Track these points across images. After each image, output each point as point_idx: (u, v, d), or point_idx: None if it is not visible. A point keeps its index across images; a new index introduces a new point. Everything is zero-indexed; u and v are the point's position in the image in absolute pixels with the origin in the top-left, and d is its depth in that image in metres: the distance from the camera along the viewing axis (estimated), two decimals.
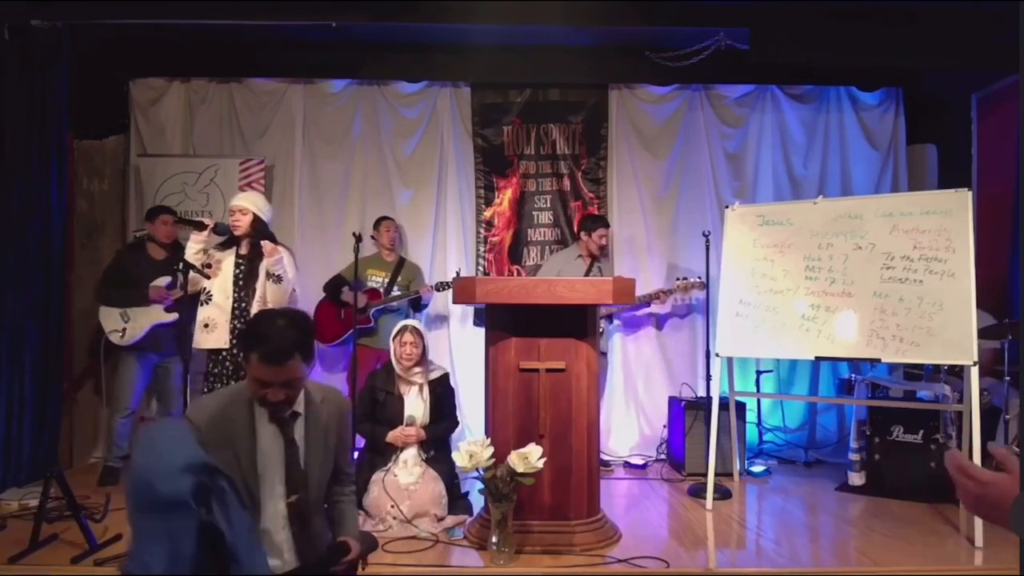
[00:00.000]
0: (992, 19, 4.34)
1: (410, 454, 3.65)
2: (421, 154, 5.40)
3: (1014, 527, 0.97)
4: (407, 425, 3.70)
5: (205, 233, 3.89)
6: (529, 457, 3.02)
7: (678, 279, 5.03)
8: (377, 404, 3.78)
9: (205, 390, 3.93)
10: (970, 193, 3.56)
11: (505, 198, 5.42)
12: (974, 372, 3.42)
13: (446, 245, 5.36)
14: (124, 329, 4.25)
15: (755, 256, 4.06)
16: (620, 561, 3.06)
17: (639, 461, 4.97)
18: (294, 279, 4.09)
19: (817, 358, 3.94)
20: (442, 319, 5.36)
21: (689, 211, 5.41)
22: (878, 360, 3.69)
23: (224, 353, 3.90)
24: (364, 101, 5.39)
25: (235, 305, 3.92)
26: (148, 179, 5.07)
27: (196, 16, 4.47)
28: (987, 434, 3.76)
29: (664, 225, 5.42)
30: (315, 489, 2.10)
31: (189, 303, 3.94)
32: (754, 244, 4.08)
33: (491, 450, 3.11)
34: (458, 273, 4.88)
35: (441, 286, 4.84)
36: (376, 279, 4.89)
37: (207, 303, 3.93)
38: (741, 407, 4.71)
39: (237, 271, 3.96)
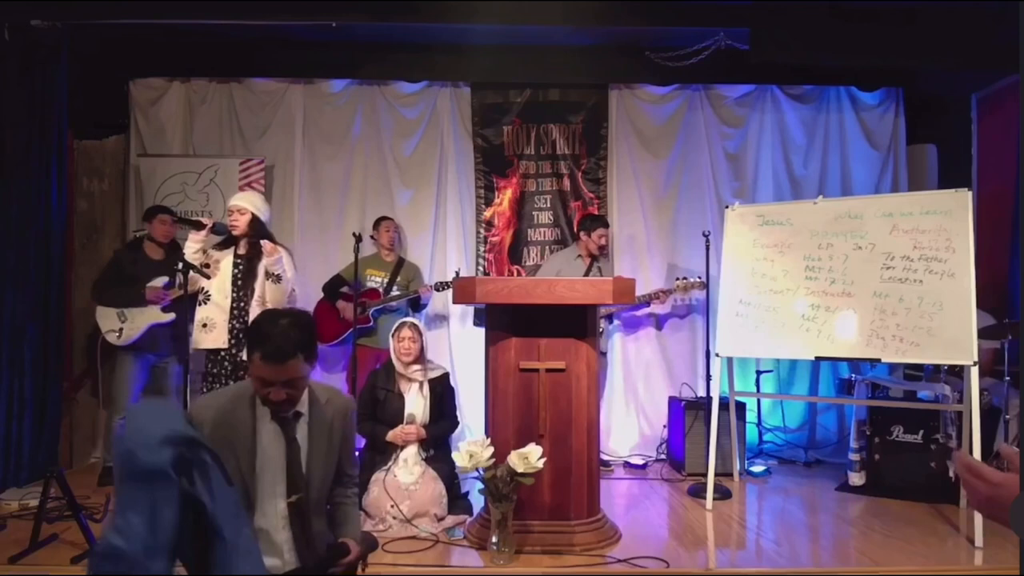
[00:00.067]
0: (992, 19, 4.34)
1: (410, 453, 3.65)
2: (421, 154, 5.39)
3: (1014, 527, 0.97)
4: (407, 423, 3.71)
5: (203, 233, 3.89)
6: (529, 457, 3.02)
7: (678, 279, 5.02)
8: (378, 403, 3.78)
9: (204, 390, 3.93)
10: (970, 193, 3.56)
11: (505, 198, 5.41)
12: (974, 372, 3.42)
13: (446, 245, 5.36)
14: (121, 329, 4.25)
15: (755, 256, 4.06)
16: (620, 561, 3.06)
17: (639, 461, 4.97)
18: (293, 279, 4.09)
19: (817, 358, 3.94)
20: (442, 319, 5.36)
21: (689, 211, 5.41)
22: (878, 360, 3.70)
23: (223, 353, 3.90)
24: (364, 101, 5.39)
25: (234, 305, 3.92)
26: (148, 179, 5.07)
27: (196, 16, 4.47)
28: (987, 434, 3.75)
29: (664, 225, 5.42)
30: (316, 490, 2.10)
31: (186, 303, 3.93)
32: (754, 244, 4.08)
33: (491, 450, 3.11)
34: (458, 273, 4.88)
35: (441, 286, 4.84)
36: (375, 279, 4.88)
37: (205, 303, 3.93)
38: (741, 407, 4.71)
39: (235, 271, 3.96)
